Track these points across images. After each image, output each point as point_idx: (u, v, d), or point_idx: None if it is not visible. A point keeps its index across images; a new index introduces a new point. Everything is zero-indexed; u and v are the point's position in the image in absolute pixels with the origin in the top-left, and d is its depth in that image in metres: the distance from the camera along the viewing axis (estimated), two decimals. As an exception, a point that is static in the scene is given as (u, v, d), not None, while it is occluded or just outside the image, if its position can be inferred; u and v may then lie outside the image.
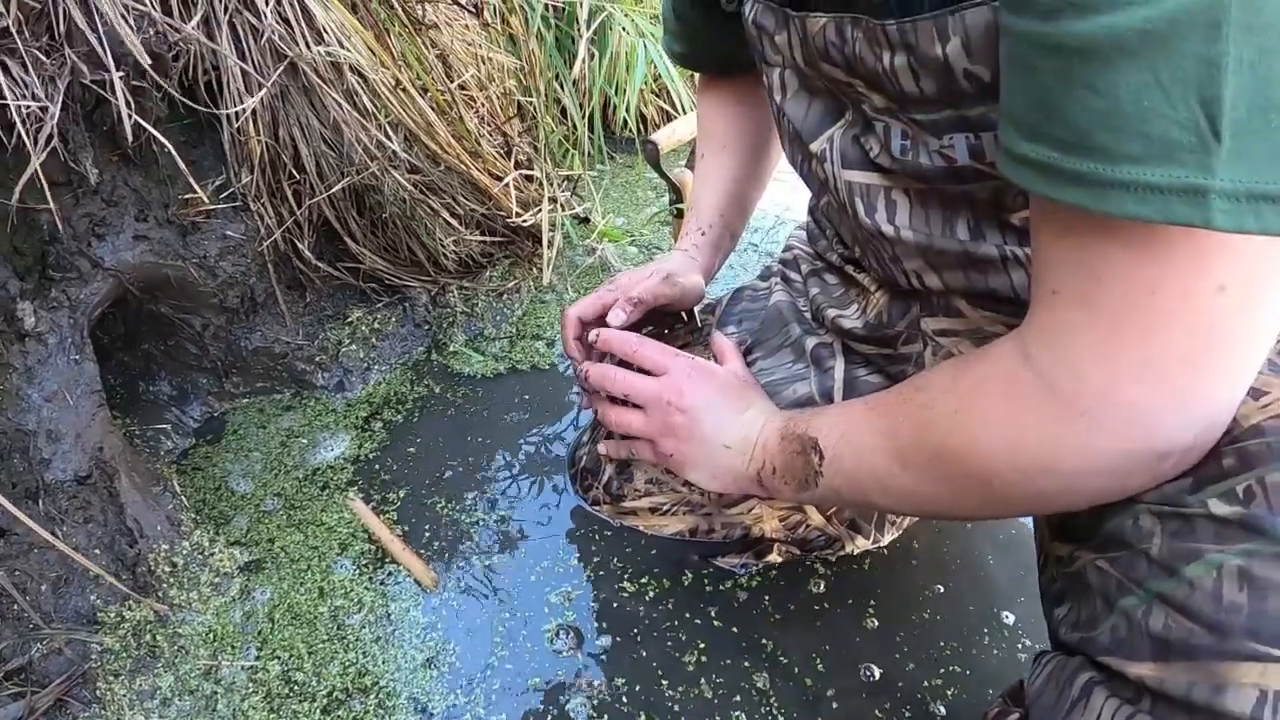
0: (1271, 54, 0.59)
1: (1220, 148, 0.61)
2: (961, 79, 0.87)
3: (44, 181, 1.40)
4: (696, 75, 2.12)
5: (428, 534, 1.60)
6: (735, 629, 1.41)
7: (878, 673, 1.35)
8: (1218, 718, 0.71)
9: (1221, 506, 0.76)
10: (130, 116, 1.45)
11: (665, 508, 1.52)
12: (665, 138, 2.10)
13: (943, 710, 1.29)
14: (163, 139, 1.52)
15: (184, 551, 1.47)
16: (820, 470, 1.09)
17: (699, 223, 1.58)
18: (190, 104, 1.61)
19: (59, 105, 1.40)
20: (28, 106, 1.36)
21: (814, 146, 1.18)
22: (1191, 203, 0.63)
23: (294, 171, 1.78)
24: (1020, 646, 1.38)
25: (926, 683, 1.33)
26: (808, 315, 1.46)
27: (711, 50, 1.54)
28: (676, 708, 1.30)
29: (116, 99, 1.44)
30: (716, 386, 1.28)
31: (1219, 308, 0.69)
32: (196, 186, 1.63)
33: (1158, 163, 0.63)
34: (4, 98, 1.34)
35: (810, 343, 1.43)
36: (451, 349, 2.04)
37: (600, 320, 1.43)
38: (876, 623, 1.43)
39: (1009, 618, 1.42)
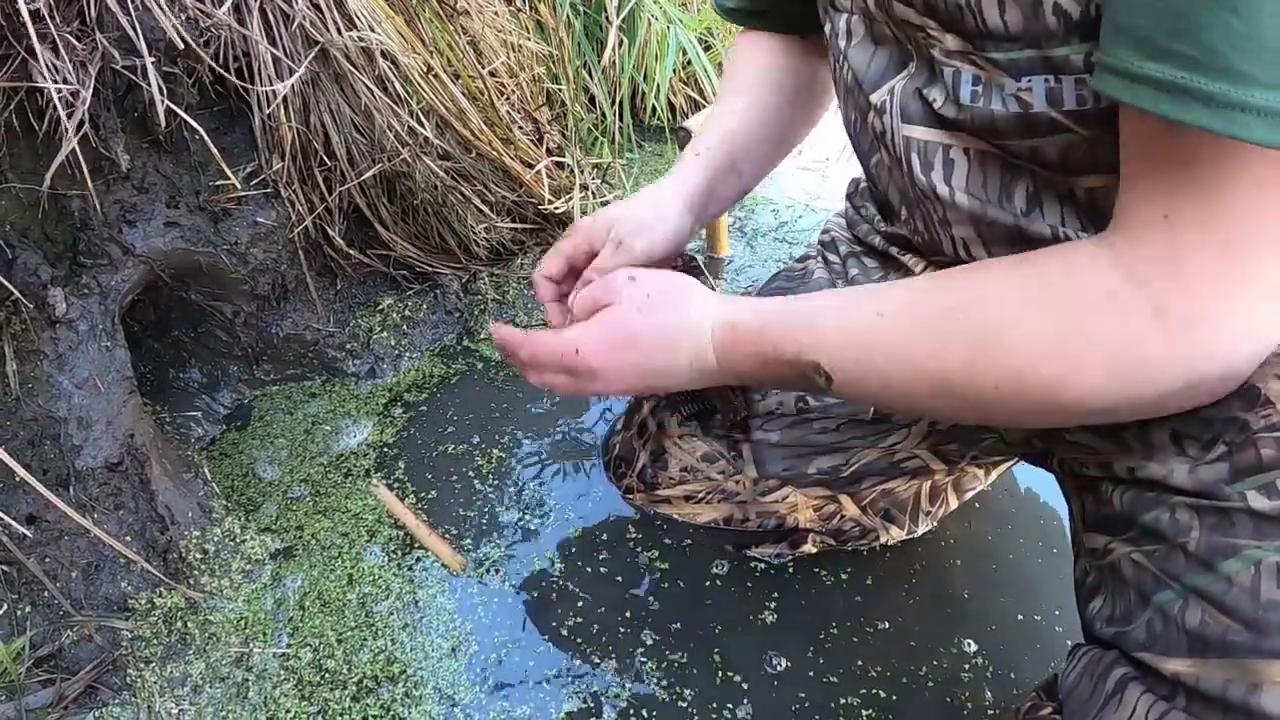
0: None
1: None
2: (1049, 13, 0.83)
3: (79, 167, 1.40)
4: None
5: (455, 520, 1.60)
6: (768, 620, 1.40)
7: (911, 665, 1.34)
8: (1253, 717, 0.70)
9: (1261, 500, 0.75)
10: (162, 102, 1.45)
11: (700, 495, 1.51)
12: (698, 125, 2.08)
13: (970, 706, 1.29)
14: (195, 124, 1.51)
15: (215, 538, 1.48)
16: (828, 388, 1.02)
17: (697, 144, 1.39)
18: (221, 90, 1.61)
19: (90, 90, 1.39)
20: (59, 91, 1.36)
21: (874, 97, 1.12)
22: None
23: (325, 158, 1.78)
24: (1055, 639, 1.37)
25: (959, 675, 1.33)
26: None
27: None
28: (707, 698, 1.29)
29: (148, 84, 1.44)
30: (622, 336, 1.13)
31: None
32: (229, 172, 1.62)
33: None
34: (36, 82, 1.34)
35: None
36: (483, 336, 2.04)
37: (574, 274, 1.32)
38: (911, 614, 1.42)
39: (1042, 612, 1.41)
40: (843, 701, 1.29)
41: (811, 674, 1.33)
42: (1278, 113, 0.63)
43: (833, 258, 1.45)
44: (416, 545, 1.54)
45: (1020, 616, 1.41)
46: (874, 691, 1.31)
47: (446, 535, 1.56)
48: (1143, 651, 0.80)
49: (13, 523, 1.33)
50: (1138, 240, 0.79)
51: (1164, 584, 0.80)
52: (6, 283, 1.36)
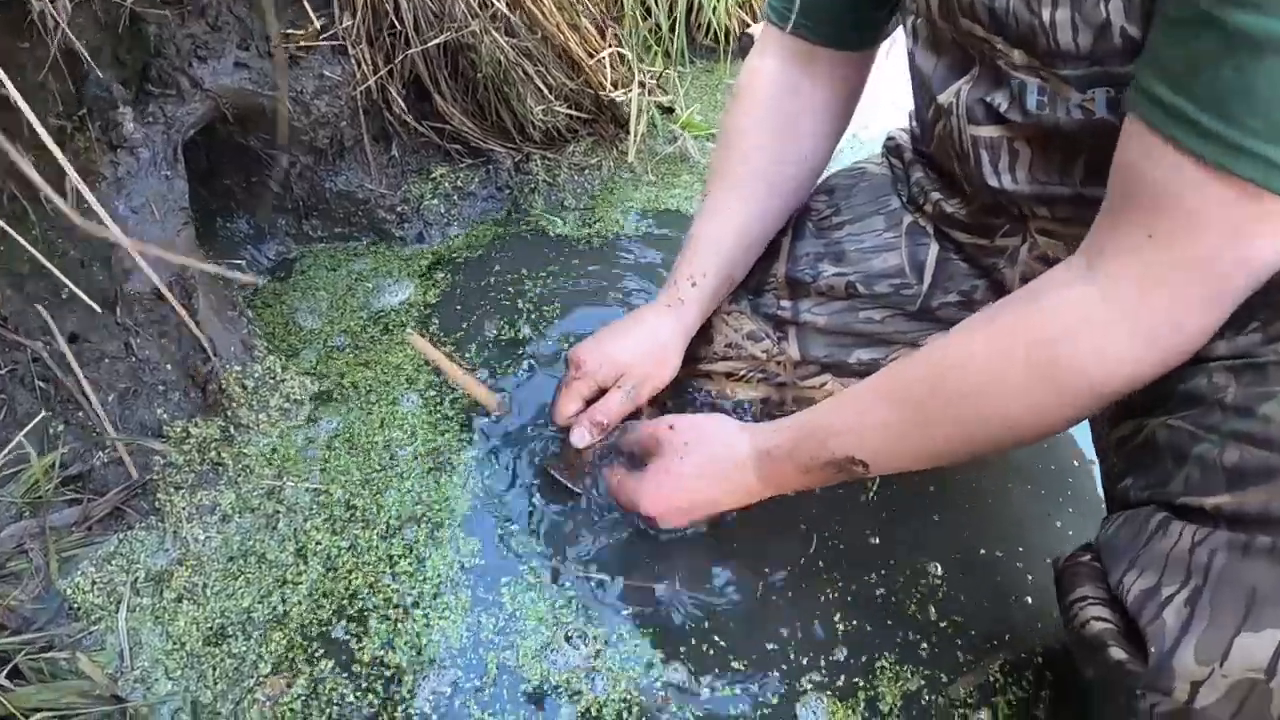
0: None
1: None
2: (1117, 36, 0.95)
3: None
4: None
5: (491, 370, 1.64)
6: (803, 525, 1.43)
7: (934, 575, 1.38)
8: None
9: None
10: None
11: (741, 373, 1.52)
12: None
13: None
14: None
15: (255, 374, 1.50)
16: (868, 472, 1.16)
17: (692, 269, 1.44)
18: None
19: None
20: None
21: (941, 98, 1.21)
22: None
23: (395, 22, 1.77)
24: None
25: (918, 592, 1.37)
26: (904, 197, 1.45)
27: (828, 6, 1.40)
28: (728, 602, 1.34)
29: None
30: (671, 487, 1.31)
31: (1269, 265, 0.84)
32: (312, 14, 1.62)
33: (1273, 141, 0.77)
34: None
35: (907, 218, 1.43)
36: (533, 214, 2.04)
37: (586, 403, 1.44)
38: (936, 526, 1.45)
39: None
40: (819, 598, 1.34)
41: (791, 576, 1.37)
42: (1259, 155, 0.78)
43: (896, 162, 1.48)
44: (453, 392, 1.57)
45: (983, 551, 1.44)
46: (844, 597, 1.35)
47: (485, 383, 1.57)
48: (1183, 497, 0.84)
49: (59, 336, 1.34)
50: (1118, 259, 0.92)
51: (1201, 438, 0.83)
52: (76, 94, 1.36)
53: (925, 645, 1.28)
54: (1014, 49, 1.06)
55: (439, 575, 1.31)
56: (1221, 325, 0.88)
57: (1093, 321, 0.92)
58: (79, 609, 1.23)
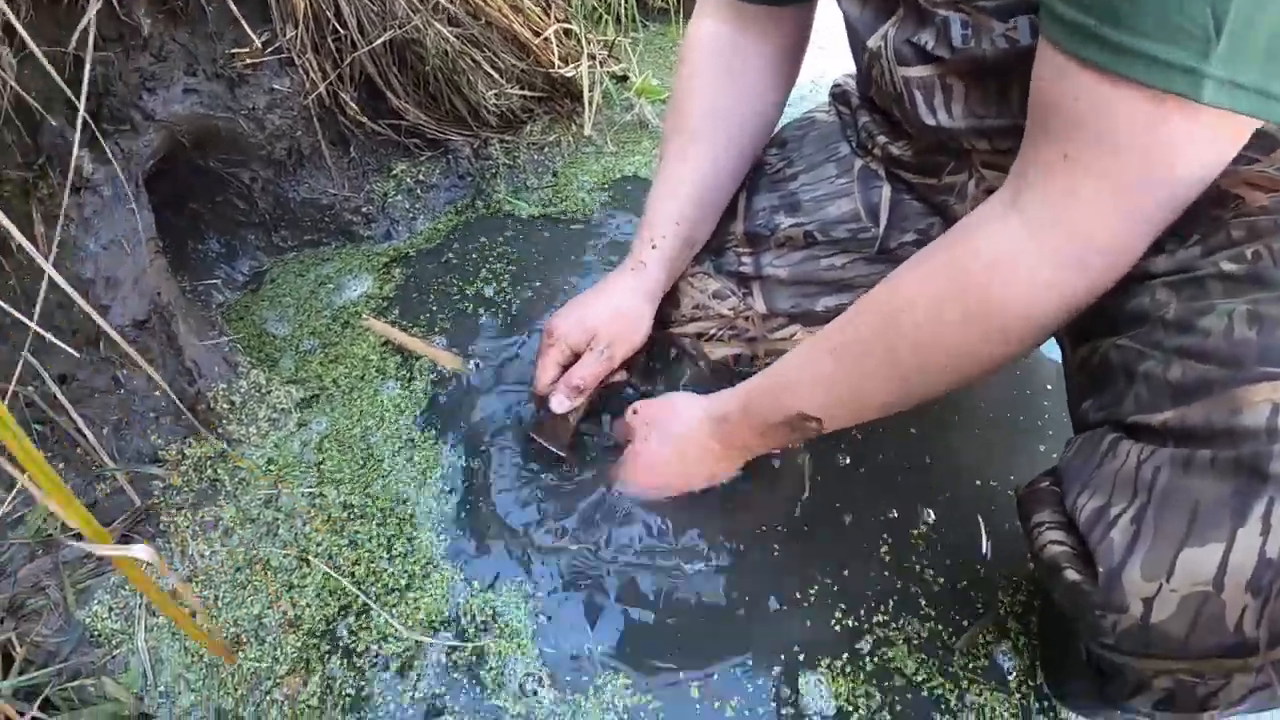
0: None
1: (1218, 45, 0.75)
2: None
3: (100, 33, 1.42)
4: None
5: (448, 345, 1.69)
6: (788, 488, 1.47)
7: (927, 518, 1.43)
8: (1235, 436, 0.76)
9: (1231, 265, 0.83)
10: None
11: (711, 333, 1.55)
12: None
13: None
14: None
15: (241, 390, 1.54)
16: (822, 428, 1.20)
17: (652, 232, 1.46)
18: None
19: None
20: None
21: (870, 42, 1.23)
22: (1187, 80, 0.77)
23: (337, 26, 1.80)
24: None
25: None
26: (854, 143, 1.47)
27: None
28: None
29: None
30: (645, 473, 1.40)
31: (1183, 178, 0.85)
32: (251, 32, 1.65)
33: (1167, 43, 0.76)
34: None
35: (857, 163, 1.45)
36: (496, 198, 2.08)
37: (563, 369, 1.47)
38: (908, 475, 1.49)
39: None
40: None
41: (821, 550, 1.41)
42: (1154, 58, 0.77)
43: (844, 109, 1.50)
44: (421, 368, 1.64)
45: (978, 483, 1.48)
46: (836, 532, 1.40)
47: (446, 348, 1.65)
48: (1134, 416, 0.86)
49: (49, 379, 1.37)
50: (1037, 186, 0.93)
51: (1147, 355, 0.86)
52: (34, 144, 1.39)
53: (925, 600, 1.32)
54: None
55: (429, 555, 1.37)
56: (1162, 240, 0.90)
57: (1018, 251, 0.93)
58: (99, 636, 1.27)
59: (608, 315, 1.44)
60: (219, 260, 1.92)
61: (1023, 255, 0.93)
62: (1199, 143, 0.82)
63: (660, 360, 1.58)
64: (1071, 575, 0.88)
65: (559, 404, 1.43)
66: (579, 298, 1.49)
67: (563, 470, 1.46)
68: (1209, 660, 0.84)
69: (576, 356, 1.45)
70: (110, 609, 1.30)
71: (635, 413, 1.40)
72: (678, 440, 1.36)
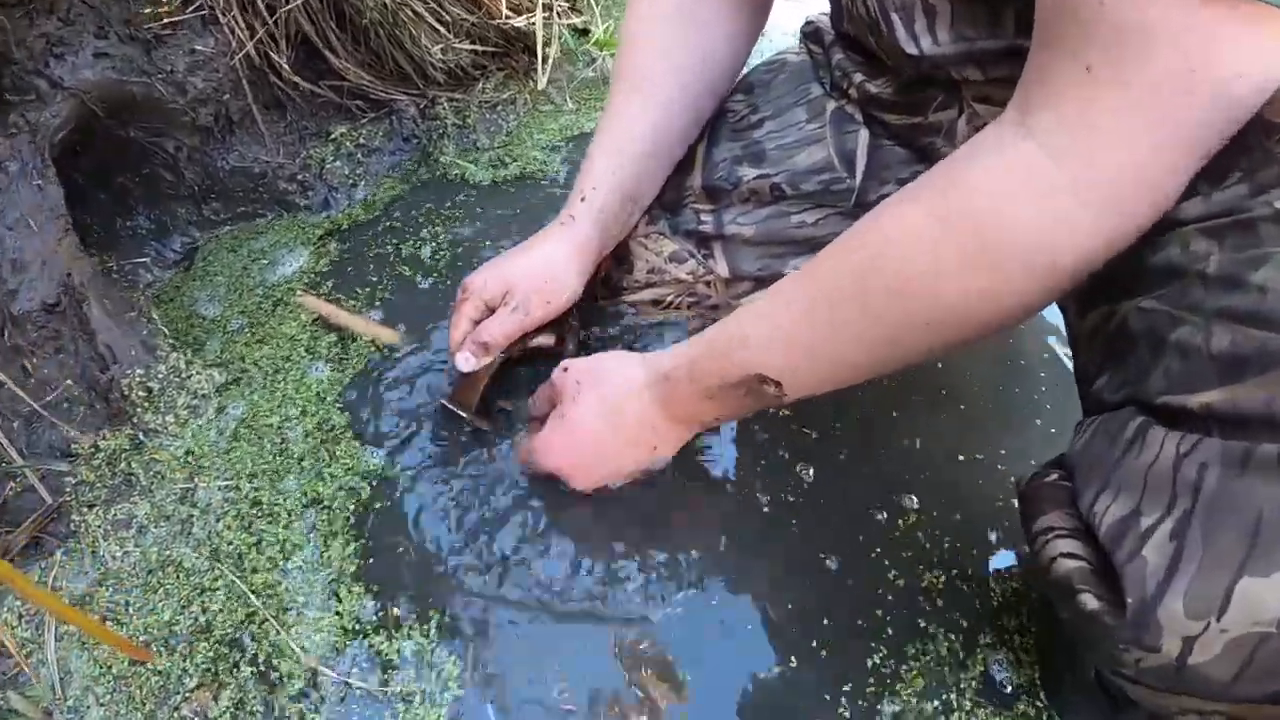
0: None
1: None
2: None
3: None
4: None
5: (382, 318, 1.60)
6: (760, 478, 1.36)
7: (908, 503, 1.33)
8: None
9: None
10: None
11: (668, 300, 1.44)
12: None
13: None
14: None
15: (159, 375, 1.44)
16: (783, 394, 1.03)
17: (582, 184, 1.34)
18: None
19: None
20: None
21: None
22: None
23: (264, -19, 1.69)
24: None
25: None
26: (827, 84, 1.35)
27: None
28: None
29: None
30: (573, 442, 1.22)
31: (1231, 91, 0.68)
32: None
33: None
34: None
35: (830, 105, 1.33)
36: (443, 161, 1.96)
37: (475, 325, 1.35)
38: (880, 458, 1.38)
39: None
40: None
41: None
42: None
43: (815, 48, 1.38)
44: (353, 346, 1.54)
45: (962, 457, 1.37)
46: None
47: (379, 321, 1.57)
48: (1163, 396, 0.71)
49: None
50: (1053, 106, 0.77)
51: (1180, 320, 0.70)
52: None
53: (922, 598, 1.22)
54: None
55: (338, 562, 1.26)
56: (1194, 182, 0.72)
57: (1031, 185, 0.77)
58: (7, 646, 1.18)
59: (526, 269, 1.32)
60: (149, 237, 1.81)
61: (1038, 191, 0.77)
62: (1248, 45, 0.66)
63: (605, 330, 1.47)
64: (1090, 602, 0.74)
65: (464, 361, 1.30)
66: (502, 254, 1.36)
67: (481, 443, 1.36)
68: (1256, 707, 0.70)
69: (491, 312, 1.32)
70: (20, 615, 1.20)
71: (565, 370, 1.23)
72: (611, 405, 1.17)
